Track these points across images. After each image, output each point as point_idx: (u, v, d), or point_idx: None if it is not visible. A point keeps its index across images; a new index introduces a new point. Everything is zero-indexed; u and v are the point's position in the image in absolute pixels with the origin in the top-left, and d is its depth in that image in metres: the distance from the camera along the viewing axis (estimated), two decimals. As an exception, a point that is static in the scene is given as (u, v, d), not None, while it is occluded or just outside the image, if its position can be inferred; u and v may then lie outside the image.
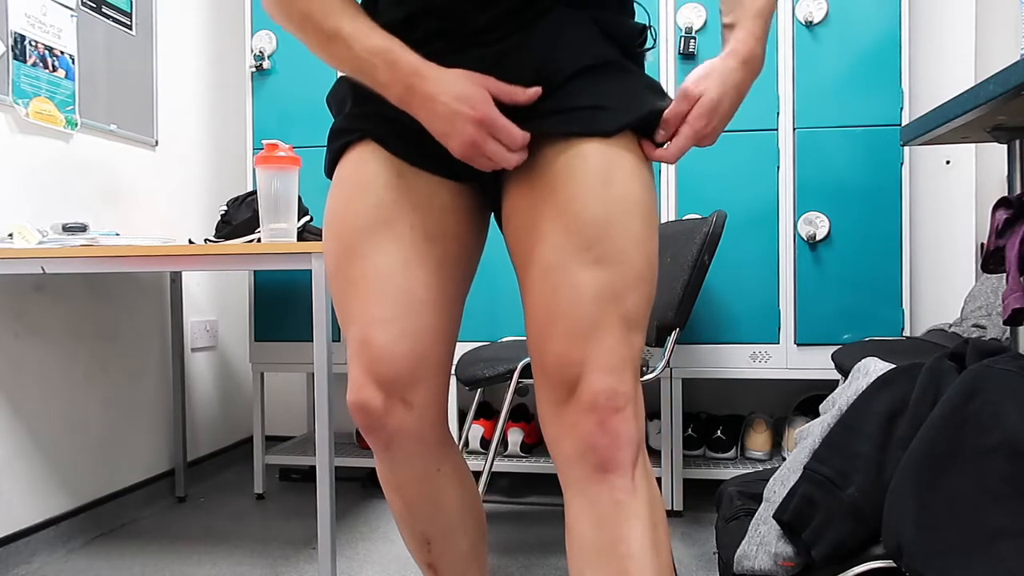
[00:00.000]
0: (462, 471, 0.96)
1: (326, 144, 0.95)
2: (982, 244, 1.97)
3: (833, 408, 1.11)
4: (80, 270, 1.55)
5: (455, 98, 0.78)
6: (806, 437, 1.10)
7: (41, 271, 1.55)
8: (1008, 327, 1.35)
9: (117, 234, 1.81)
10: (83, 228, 1.69)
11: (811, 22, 1.99)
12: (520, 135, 0.80)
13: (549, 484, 2.34)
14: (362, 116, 0.89)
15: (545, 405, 0.80)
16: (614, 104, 0.82)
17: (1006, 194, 1.21)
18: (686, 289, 1.52)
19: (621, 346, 0.77)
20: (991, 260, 1.14)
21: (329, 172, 0.94)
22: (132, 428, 2.14)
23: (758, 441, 2.13)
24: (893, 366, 1.09)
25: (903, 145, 1.62)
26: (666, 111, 0.82)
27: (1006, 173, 1.33)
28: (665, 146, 0.83)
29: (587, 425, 0.75)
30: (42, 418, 1.83)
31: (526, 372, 1.51)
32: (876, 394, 1.04)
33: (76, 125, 1.94)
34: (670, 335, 1.57)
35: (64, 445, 1.90)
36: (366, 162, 0.88)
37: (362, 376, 0.83)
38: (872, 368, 1.10)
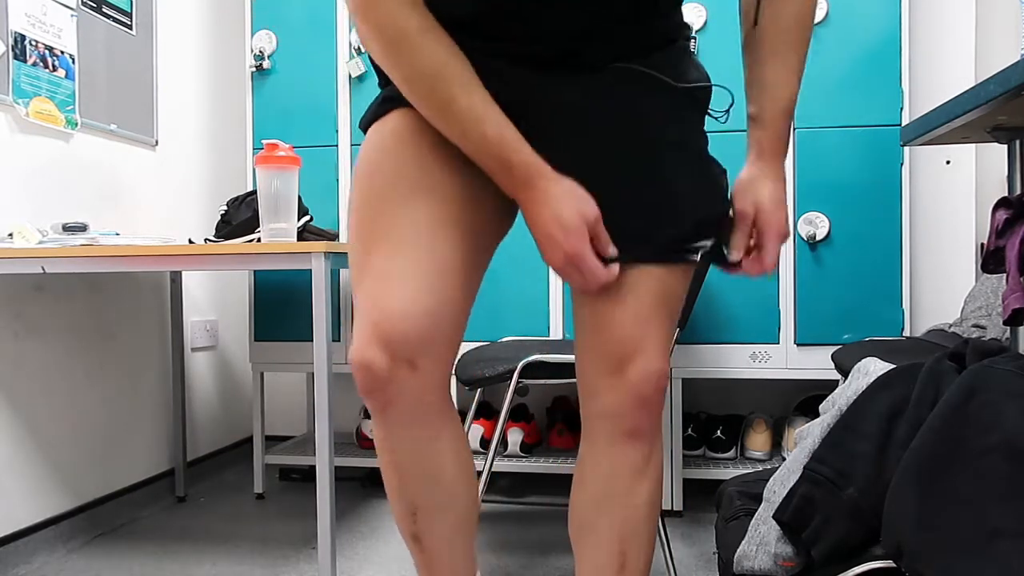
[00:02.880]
0: (460, 442, 0.94)
1: (371, 106, 0.92)
2: (982, 244, 1.97)
3: (833, 408, 1.11)
4: (80, 270, 1.55)
5: (554, 219, 0.79)
6: (806, 437, 1.10)
7: (41, 271, 1.55)
8: (1008, 327, 1.35)
9: (117, 234, 1.81)
10: (83, 228, 1.69)
11: (811, 22, 1.99)
12: (603, 275, 0.82)
13: (549, 484, 2.34)
14: None
15: (591, 368, 0.88)
16: (686, 226, 0.86)
17: (1006, 194, 1.21)
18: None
19: (669, 334, 0.88)
20: (991, 260, 1.14)
21: (365, 126, 0.92)
22: (132, 428, 2.14)
23: (758, 441, 2.13)
24: (893, 366, 1.09)
25: (903, 145, 1.62)
26: (732, 236, 0.88)
27: (1006, 173, 1.33)
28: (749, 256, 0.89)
29: (632, 398, 0.85)
30: (42, 418, 1.83)
31: (526, 372, 1.51)
32: (876, 394, 1.04)
33: (76, 125, 1.94)
34: (670, 335, 1.57)
35: (64, 445, 1.90)
36: (413, 121, 0.85)
37: (368, 334, 0.80)
38: (872, 368, 1.10)
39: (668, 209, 0.85)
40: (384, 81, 0.92)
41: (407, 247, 0.81)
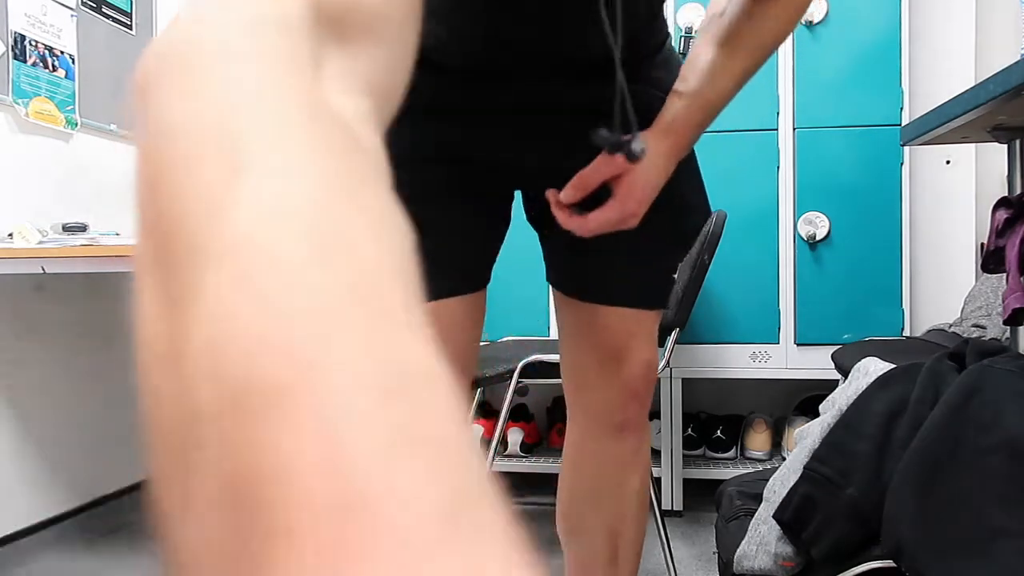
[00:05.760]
0: None
1: None
2: (982, 244, 1.97)
3: (833, 408, 1.11)
4: (80, 270, 1.55)
5: None
6: (806, 437, 1.11)
7: (41, 271, 1.55)
8: (1008, 327, 1.35)
9: (117, 234, 1.81)
10: (83, 228, 1.69)
11: (811, 22, 1.99)
12: None
13: (549, 484, 2.34)
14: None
15: (582, 362, 0.89)
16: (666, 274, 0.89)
17: (1006, 194, 1.21)
18: (686, 288, 1.52)
19: (656, 324, 0.90)
20: (991, 260, 1.14)
21: None
22: (133, 427, 2.14)
23: (758, 441, 2.13)
24: (893, 366, 1.09)
25: (903, 145, 1.62)
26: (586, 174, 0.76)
27: (1006, 173, 1.33)
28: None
29: (624, 391, 0.87)
30: (43, 417, 1.83)
31: (526, 372, 1.51)
32: (876, 394, 1.04)
33: (76, 125, 1.94)
34: (670, 334, 1.57)
35: (65, 444, 1.90)
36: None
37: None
38: (872, 368, 1.10)
39: (655, 267, 0.87)
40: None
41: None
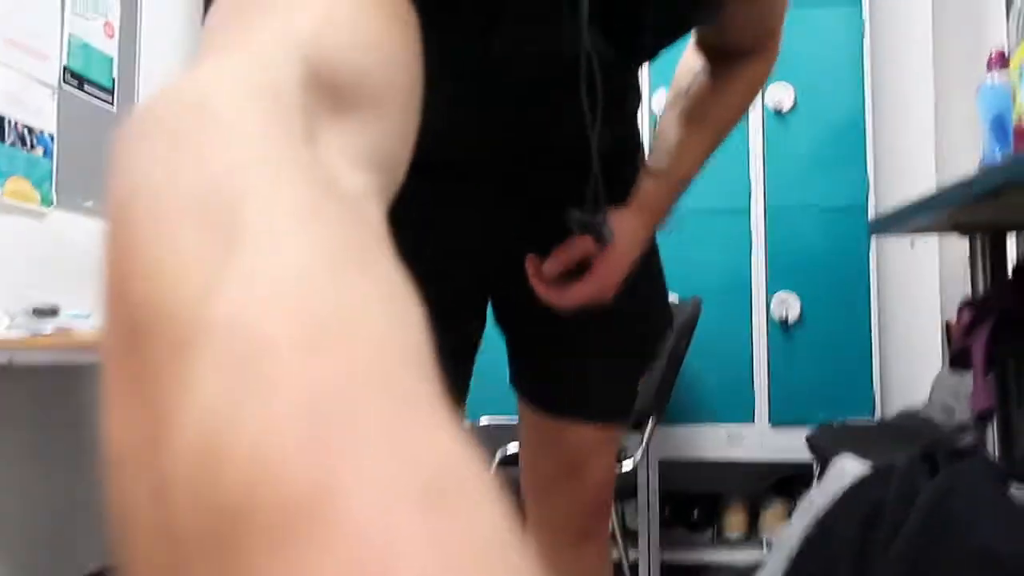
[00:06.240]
0: None
1: None
2: (947, 323, 2.01)
3: (811, 508, 1.11)
4: (49, 360, 1.52)
5: None
6: (783, 543, 1.10)
7: (8, 363, 1.51)
8: (975, 424, 1.38)
9: (89, 315, 1.78)
10: (54, 311, 1.66)
11: (780, 110, 2.07)
12: None
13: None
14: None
15: (544, 471, 0.89)
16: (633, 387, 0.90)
17: (969, 279, 1.26)
18: (663, 377, 1.53)
19: (620, 436, 0.92)
20: (959, 359, 1.17)
21: None
22: (97, 517, 2.07)
23: (735, 523, 2.12)
24: (868, 466, 1.11)
25: (871, 235, 1.68)
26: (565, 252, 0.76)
27: (968, 255, 1.38)
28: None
29: (587, 500, 0.87)
30: (5, 506, 1.76)
31: (506, 461, 1.50)
32: (852, 498, 1.05)
33: (52, 203, 1.93)
34: (647, 421, 1.58)
35: (25, 534, 1.82)
36: None
37: None
38: (847, 468, 1.11)
39: (622, 380, 0.88)
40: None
41: None
